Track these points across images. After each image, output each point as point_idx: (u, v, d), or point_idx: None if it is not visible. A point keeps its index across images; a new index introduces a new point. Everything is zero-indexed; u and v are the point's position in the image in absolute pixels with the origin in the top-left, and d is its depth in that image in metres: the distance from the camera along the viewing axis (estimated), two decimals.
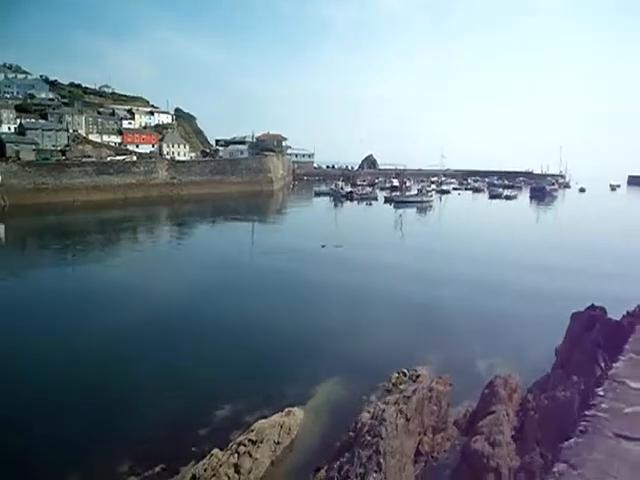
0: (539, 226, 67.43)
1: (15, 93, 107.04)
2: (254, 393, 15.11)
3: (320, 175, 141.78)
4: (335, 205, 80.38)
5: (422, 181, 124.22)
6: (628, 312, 12.13)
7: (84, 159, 71.62)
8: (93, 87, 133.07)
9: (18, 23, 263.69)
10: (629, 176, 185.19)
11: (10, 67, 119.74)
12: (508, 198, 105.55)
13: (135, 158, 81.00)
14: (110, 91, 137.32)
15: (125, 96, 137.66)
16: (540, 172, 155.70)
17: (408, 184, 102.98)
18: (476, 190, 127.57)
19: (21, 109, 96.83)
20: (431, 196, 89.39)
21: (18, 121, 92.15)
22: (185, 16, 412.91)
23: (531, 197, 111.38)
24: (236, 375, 16.69)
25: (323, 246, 39.03)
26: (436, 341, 19.96)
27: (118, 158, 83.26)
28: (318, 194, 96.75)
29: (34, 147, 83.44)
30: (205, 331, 21.11)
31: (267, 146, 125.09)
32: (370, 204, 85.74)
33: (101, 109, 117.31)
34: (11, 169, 61.56)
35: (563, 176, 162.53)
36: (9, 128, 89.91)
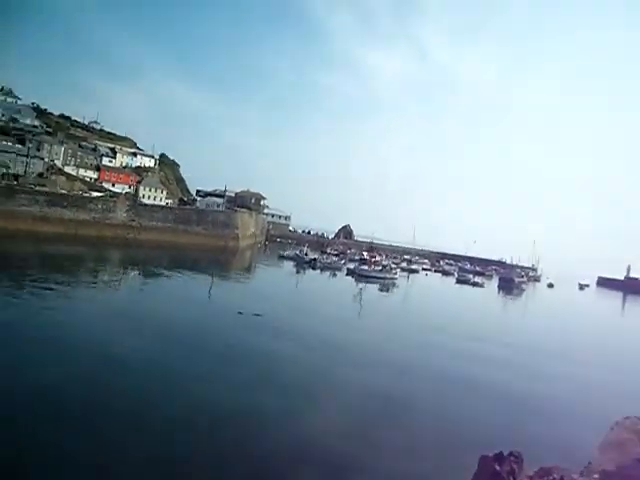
0: (502, 318, 65.99)
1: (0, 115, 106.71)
2: None
3: (294, 239, 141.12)
4: (297, 271, 78.60)
5: (395, 257, 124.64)
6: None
7: (37, 187, 69.39)
8: (82, 121, 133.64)
9: (20, 48, 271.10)
10: (599, 277, 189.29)
11: (1, 89, 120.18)
12: (475, 285, 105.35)
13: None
14: (99, 128, 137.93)
15: (113, 135, 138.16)
16: (512, 263, 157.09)
17: (379, 258, 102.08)
18: (445, 273, 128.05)
19: (0, 131, 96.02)
20: (395, 273, 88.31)
21: None
22: (184, 66, 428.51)
23: (499, 287, 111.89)
24: None
25: (240, 313, 36.23)
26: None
27: (84, 194, 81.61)
28: (282, 258, 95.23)
29: (4, 170, 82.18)
30: None
31: (245, 203, 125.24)
32: (334, 274, 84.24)
33: (84, 143, 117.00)
34: None
35: (535, 269, 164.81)
36: None
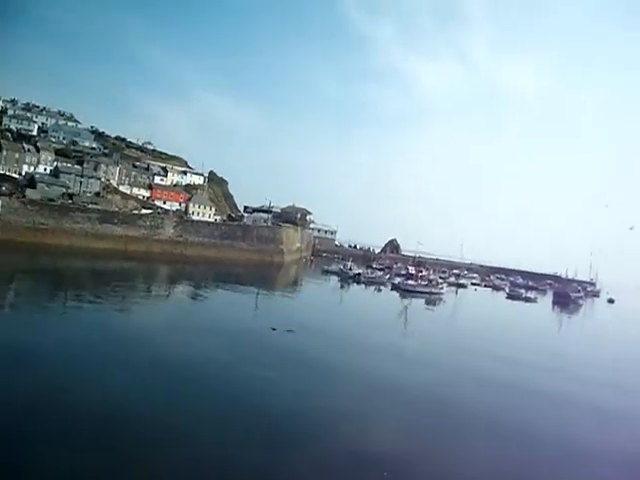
0: (555, 342, 61.58)
1: (61, 138, 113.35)
2: None
3: (340, 253, 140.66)
4: (341, 286, 78.34)
5: (443, 272, 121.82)
6: None
7: (90, 205, 72.69)
8: (136, 142, 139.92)
9: (81, 76, 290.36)
10: None
11: (63, 114, 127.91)
12: (527, 300, 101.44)
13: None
14: (152, 148, 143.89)
15: (165, 154, 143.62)
16: (567, 277, 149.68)
17: (425, 273, 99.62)
18: (495, 288, 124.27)
19: (61, 153, 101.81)
20: (442, 288, 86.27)
21: (55, 164, 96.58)
22: (230, 83, 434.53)
23: (554, 302, 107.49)
24: None
25: (274, 329, 35.52)
26: None
27: (143, 212, 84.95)
28: (327, 272, 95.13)
29: (64, 190, 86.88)
30: None
31: (290, 218, 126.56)
32: (379, 289, 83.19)
33: (137, 163, 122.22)
34: (12, 205, 62.74)
35: (593, 283, 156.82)
36: (45, 169, 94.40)
